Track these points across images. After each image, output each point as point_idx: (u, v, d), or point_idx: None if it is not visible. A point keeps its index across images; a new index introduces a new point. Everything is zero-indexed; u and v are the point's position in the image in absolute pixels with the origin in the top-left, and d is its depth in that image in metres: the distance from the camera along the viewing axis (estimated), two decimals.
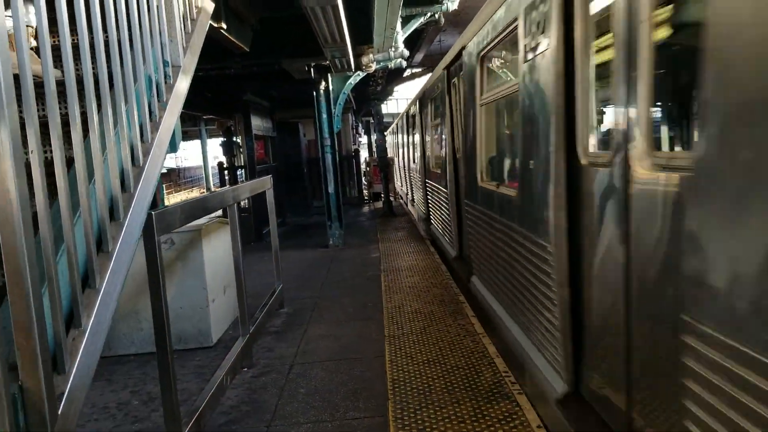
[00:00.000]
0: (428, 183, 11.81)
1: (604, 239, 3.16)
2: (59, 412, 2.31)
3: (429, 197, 11.82)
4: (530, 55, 4.12)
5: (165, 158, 3.90)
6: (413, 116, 14.52)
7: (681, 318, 2.30)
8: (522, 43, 4.29)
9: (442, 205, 9.75)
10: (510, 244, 4.92)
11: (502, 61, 5.70)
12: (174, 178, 41.99)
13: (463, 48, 6.86)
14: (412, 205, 16.67)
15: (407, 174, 17.87)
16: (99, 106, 3.01)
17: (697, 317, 2.20)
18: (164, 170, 39.54)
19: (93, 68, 2.98)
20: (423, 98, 12.15)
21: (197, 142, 30.85)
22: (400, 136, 19.99)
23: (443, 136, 9.24)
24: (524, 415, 4.22)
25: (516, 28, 4.48)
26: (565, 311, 3.64)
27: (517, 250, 4.66)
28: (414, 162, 14.93)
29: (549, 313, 3.87)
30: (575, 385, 3.68)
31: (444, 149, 9.16)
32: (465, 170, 7.30)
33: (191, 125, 25.68)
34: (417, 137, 13.72)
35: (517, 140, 4.62)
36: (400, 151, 20.11)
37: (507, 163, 5.54)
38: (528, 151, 4.29)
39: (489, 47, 5.62)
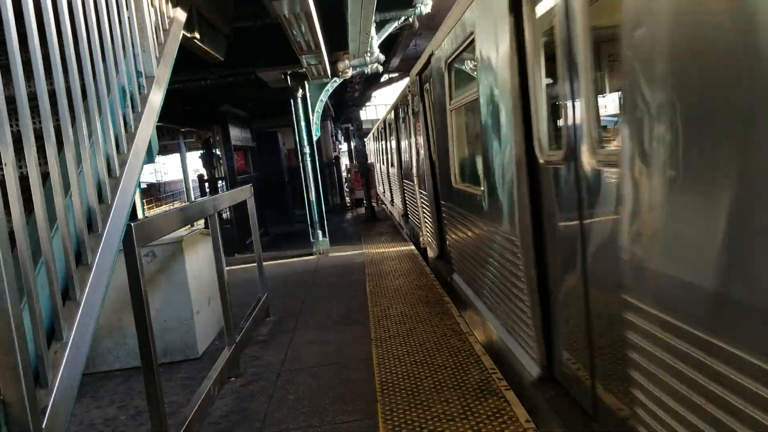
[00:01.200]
0: (406, 186, 12.28)
1: (557, 222, 3.54)
2: (43, 427, 2.29)
3: (408, 200, 12.23)
4: (488, 65, 4.56)
5: (142, 169, 3.89)
6: (390, 122, 15.05)
7: (623, 298, 2.58)
8: (479, 53, 4.79)
9: (423, 207, 10.00)
10: (483, 239, 5.33)
11: (467, 68, 6.02)
12: (154, 192, 41.75)
13: (432, 55, 7.32)
14: (392, 206, 17.39)
15: (388, 179, 18.40)
16: (73, 118, 3.00)
17: (635, 296, 2.48)
18: (144, 185, 39.33)
19: (65, 81, 2.97)
20: (398, 105, 12.61)
21: (177, 156, 30.66)
22: (379, 142, 20.15)
23: (419, 141, 9.56)
24: (512, 410, 4.25)
25: (474, 40, 4.95)
26: (535, 303, 3.94)
27: (490, 245, 5.02)
28: (393, 167, 15.47)
29: (521, 303, 4.20)
30: (549, 369, 3.92)
31: (420, 154, 9.50)
32: (440, 173, 7.66)
33: (170, 139, 25.50)
34: (395, 143, 14.29)
35: (483, 143, 5.03)
36: (380, 156, 20.36)
37: (476, 164, 5.78)
38: (493, 153, 4.68)
39: (454, 55, 6.04)
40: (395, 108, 13.55)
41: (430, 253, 9.52)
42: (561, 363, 3.70)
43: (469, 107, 5.79)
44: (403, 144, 12.78)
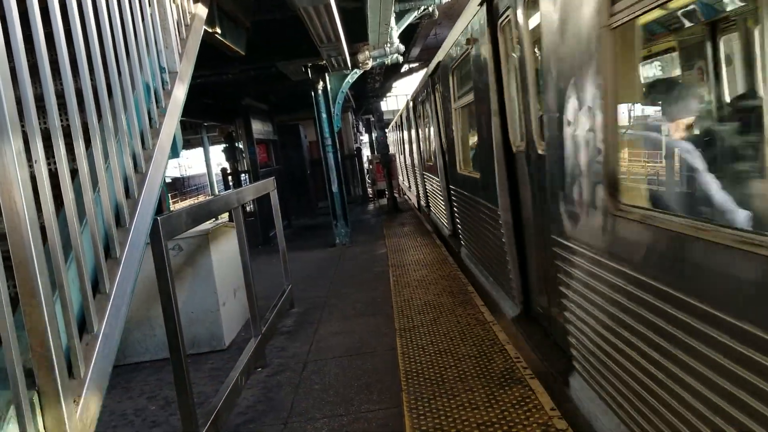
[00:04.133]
0: (425, 175, 13.90)
1: (526, 196, 5.06)
2: (77, 416, 2.36)
3: (427, 187, 14.01)
4: (478, 78, 6.13)
5: (167, 164, 3.95)
6: (407, 116, 17.09)
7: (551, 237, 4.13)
8: (471, 68, 6.40)
9: (436, 192, 11.96)
10: (476, 213, 7.17)
11: (465, 76, 7.53)
12: (179, 186, 42.17)
13: (439, 62, 9.09)
14: (409, 191, 19.88)
15: (406, 168, 20.00)
16: (99, 115, 3.05)
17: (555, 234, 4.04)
18: (168, 179, 39.76)
19: (91, 79, 3.03)
20: (415, 100, 14.42)
21: (200, 150, 30.93)
22: (400, 132, 20.31)
23: (431, 134, 11.55)
24: (537, 398, 4.25)
25: (469, 53, 6.40)
26: (514, 255, 5.48)
27: (481, 217, 6.84)
28: (411, 156, 17.61)
29: (504, 259, 5.81)
30: (526, 309, 5.44)
31: (433, 145, 11.32)
32: (449, 162, 9.47)
33: (193, 133, 25.76)
34: (412, 134, 16.20)
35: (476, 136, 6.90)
36: (400, 147, 20.69)
37: (472, 154, 8.02)
38: (482, 144, 6.43)
39: (454, 65, 7.81)
40: (412, 102, 15.02)
41: (445, 232, 11.13)
42: (535, 303, 5.24)
43: (467, 108, 7.50)
44: (421, 136, 14.19)
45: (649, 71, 4.12)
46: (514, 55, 4.91)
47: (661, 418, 2.61)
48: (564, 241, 3.81)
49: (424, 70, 12.71)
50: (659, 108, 3.80)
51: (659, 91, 4.00)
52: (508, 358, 5.07)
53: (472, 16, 6.00)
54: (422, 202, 15.49)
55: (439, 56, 8.94)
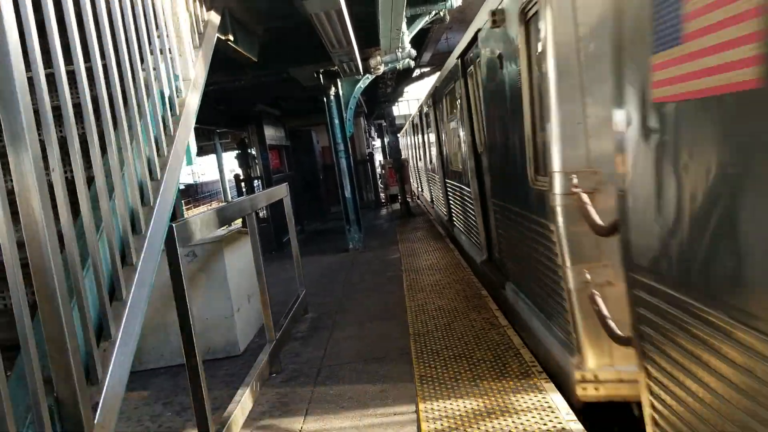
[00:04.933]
0: (449, 183, 14.51)
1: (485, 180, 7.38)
2: (95, 422, 2.38)
3: (430, 186, 16.31)
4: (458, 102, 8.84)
5: (182, 171, 3.98)
6: (417, 124, 18.21)
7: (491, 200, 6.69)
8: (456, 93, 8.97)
9: (432, 187, 14.61)
10: (462, 201, 9.79)
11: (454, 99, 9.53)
12: (192, 193, 42.41)
13: (436, 86, 11.50)
14: (422, 196, 21.06)
15: (419, 173, 20.84)
16: (115, 123, 3.09)
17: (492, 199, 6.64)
18: (182, 186, 39.98)
19: (107, 88, 3.06)
20: (423, 110, 15.67)
21: (213, 157, 31.07)
22: (414, 137, 20.37)
23: (432, 141, 13.71)
24: (552, 403, 4.23)
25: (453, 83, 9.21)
26: (480, 224, 7.91)
27: (467, 204, 9.19)
28: (417, 160, 19.67)
29: (476, 227, 8.22)
30: (489, 256, 7.80)
31: (434, 150, 13.45)
32: (445, 166, 11.94)
33: (206, 140, 25.86)
34: (420, 140, 17.82)
35: (459, 144, 9.60)
36: (414, 152, 20.85)
37: (457, 156, 10.09)
38: (462, 149, 9.02)
39: (447, 91, 10.22)
40: (423, 110, 15.87)
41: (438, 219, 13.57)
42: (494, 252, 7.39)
43: (455, 123, 9.61)
44: (424, 141, 16.06)
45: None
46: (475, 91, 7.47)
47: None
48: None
49: (437, 74, 12.78)
50: None
51: None
52: (523, 362, 5.04)
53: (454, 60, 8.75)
54: (442, 212, 13.63)
55: (435, 83, 11.52)
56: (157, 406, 5.43)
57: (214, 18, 5.33)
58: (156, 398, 5.61)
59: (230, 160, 29.51)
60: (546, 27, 4.03)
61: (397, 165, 18.33)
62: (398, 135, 21.82)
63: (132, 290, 2.88)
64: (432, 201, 15.63)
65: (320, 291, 9.05)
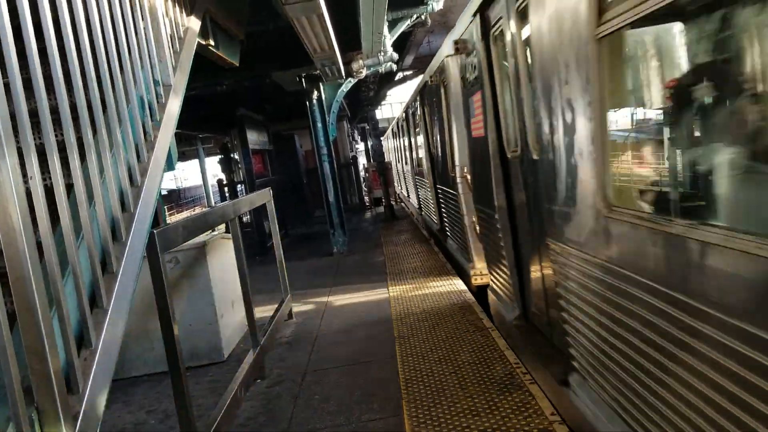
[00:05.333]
0: (440, 190, 14.91)
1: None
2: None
3: (415, 188, 16.20)
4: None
5: (163, 177, 3.95)
6: (401, 125, 17.95)
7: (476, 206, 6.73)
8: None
9: (419, 192, 14.28)
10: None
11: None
12: (175, 198, 42.15)
13: (426, 83, 10.27)
14: (408, 201, 20.69)
15: (405, 177, 20.04)
16: (94, 129, 3.06)
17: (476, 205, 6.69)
18: (164, 192, 39.74)
19: (86, 94, 3.03)
20: (410, 107, 15.17)
21: (196, 162, 30.94)
22: (398, 140, 20.36)
23: (418, 143, 13.47)
24: (537, 403, 4.25)
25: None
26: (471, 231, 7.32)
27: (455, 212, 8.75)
28: (404, 164, 19.05)
29: (462, 234, 7.47)
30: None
31: (416, 153, 13.82)
32: (436, 165, 11.21)
33: (188, 145, 25.76)
34: (418, 140, 17.26)
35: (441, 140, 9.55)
36: (398, 155, 20.79)
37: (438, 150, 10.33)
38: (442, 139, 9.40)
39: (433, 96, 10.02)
40: (409, 111, 15.31)
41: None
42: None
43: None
44: (406, 143, 16.30)
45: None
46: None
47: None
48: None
49: (419, 77, 12.78)
50: None
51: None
52: (507, 363, 5.06)
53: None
54: (430, 221, 12.82)
55: (424, 79, 10.60)
56: (140, 413, 5.38)
57: (195, 23, 5.30)
58: (139, 406, 5.55)
59: (213, 165, 29.37)
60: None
61: (381, 168, 18.34)
62: (382, 138, 21.83)
63: (113, 298, 2.85)
64: (419, 206, 14.70)
65: (305, 295, 9.02)
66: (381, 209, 20.11)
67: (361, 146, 34.13)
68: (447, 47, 6.74)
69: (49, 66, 2.75)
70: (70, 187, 2.78)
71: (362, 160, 30.62)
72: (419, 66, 22.54)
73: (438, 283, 8.33)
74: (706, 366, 2.19)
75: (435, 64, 8.83)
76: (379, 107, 33.57)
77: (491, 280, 6.53)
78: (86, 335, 2.62)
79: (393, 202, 18.83)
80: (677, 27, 3.02)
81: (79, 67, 2.97)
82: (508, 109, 5.01)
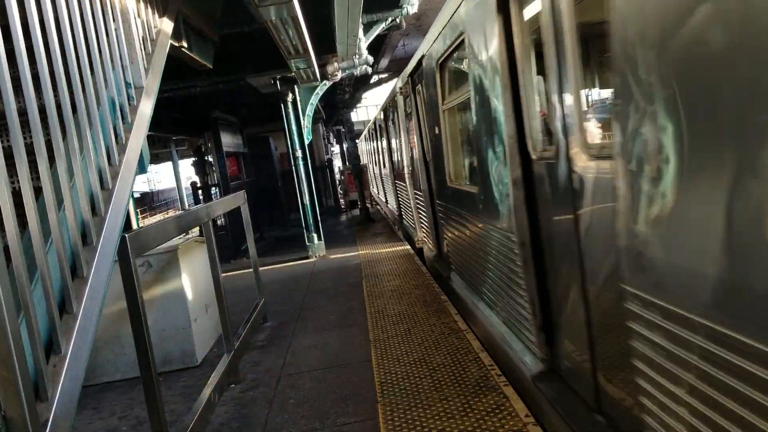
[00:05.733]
0: (383, 177, 17.22)
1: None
2: None
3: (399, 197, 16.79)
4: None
5: (135, 180, 3.90)
6: (370, 133, 19.76)
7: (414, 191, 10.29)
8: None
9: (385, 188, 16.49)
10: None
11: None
12: (148, 201, 41.70)
13: (396, 93, 11.24)
14: (386, 206, 20.53)
15: (383, 181, 20.15)
16: (64, 132, 3.01)
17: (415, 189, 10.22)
18: (137, 194, 39.27)
19: (55, 95, 2.99)
20: (383, 118, 15.55)
21: (170, 164, 30.58)
22: (375, 142, 20.43)
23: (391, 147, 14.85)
24: (512, 405, 4.28)
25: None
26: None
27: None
28: (381, 167, 19.43)
29: (429, 223, 9.00)
30: (440, 253, 8.54)
31: (382, 157, 16.11)
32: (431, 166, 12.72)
33: (162, 147, 25.45)
34: (374, 147, 19.43)
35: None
36: (376, 157, 20.91)
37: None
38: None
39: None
40: (378, 120, 16.60)
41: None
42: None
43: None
44: (379, 148, 17.50)
45: None
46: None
47: None
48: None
49: (395, 80, 12.95)
50: None
51: None
52: (482, 366, 5.09)
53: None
54: (394, 209, 14.99)
55: (393, 93, 11.89)
56: (112, 420, 5.30)
57: (167, 25, 5.25)
58: (111, 412, 5.47)
59: (187, 168, 29.09)
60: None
61: (357, 171, 18.33)
62: (357, 141, 21.83)
63: (83, 303, 2.81)
64: (399, 211, 14.49)
65: (280, 299, 8.98)
66: (357, 212, 20.09)
67: (336, 149, 34.09)
68: (399, 83, 10.16)
69: (17, 67, 2.70)
70: (38, 191, 2.73)
71: (338, 163, 30.58)
72: (395, 69, 22.54)
73: (414, 283, 8.35)
74: None
75: (395, 89, 11.06)
76: (355, 110, 33.56)
77: (423, 238, 9.75)
78: (55, 341, 2.58)
79: (369, 205, 18.82)
80: (457, 114, 6.37)
81: (48, 68, 2.92)
82: (424, 132, 8.07)
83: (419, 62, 7.50)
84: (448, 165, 6.66)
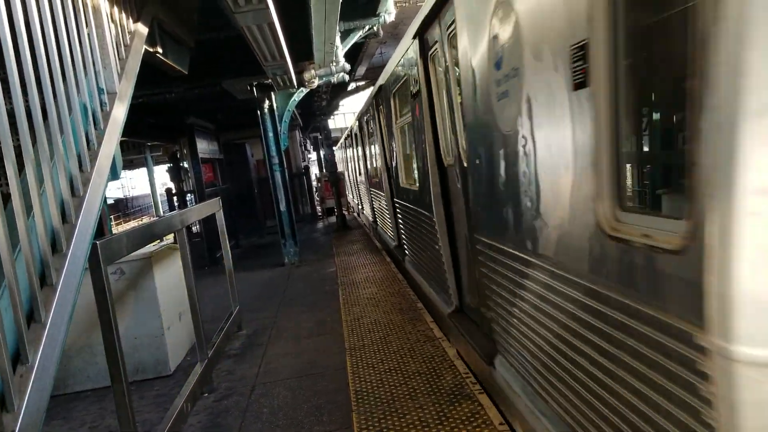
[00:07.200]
0: (359, 184, 18.18)
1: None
2: None
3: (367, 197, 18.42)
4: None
5: (107, 186, 3.85)
6: (347, 141, 20.59)
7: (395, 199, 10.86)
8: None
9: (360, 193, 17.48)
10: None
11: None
12: (122, 208, 41.19)
13: (362, 115, 13.59)
14: (363, 214, 21.24)
15: (359, 188, 20.69)
16: (34, 138, 2.96)
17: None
18: (111, 201, 38.74)
19: (25, 101, 2.93)
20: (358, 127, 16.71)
21: (144, 170, 30.25)
22: (353, 149, 20.56)
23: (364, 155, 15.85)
24: (486, 413, 4.29)
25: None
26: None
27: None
28: (357, 174, 20.09)
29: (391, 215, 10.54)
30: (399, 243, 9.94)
31: (358, 164, 16.57)
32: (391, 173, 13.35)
33: (136, 153, 25.20)
34: (351, 154, 20.15)
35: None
36: (353, 165, 21.20)
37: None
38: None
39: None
40: (352, 130, 17.93)
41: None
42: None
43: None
44: (355, 156, 18.24)
45: None
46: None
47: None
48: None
49: (371, 88, 13.26)
50: None
51: None
52: (457, 374, 5.10)
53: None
54: (369, 213, 16.43)
55: (359, 113, 14.81)
56: (82, 430, 5.20)
57: (142, 29, 5.20)
58: (81, 422, 5.37)
59: (162, 174, 28.80)
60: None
61: (333, 178, 18.30)
62: (334, 148, 21.80)
63: (52, 311, 2.75)
64: (360, 205, 16.82)
65: (255, 307, 8.91)
66: (333, 219, 20.04)
67: (313, 156, 34.00)
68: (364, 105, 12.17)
69: None
70: (7, 198, 2.68)
71: (315, 170, 30.50)
72: (372, 76, 22.58)
73: (389, 291, 8.34)
74: None
75: (369, 100, 11.92)
76: (332, 117, 33.50)
77: (390, 234, 10.88)
78: (23, 351, 2.53)
79: (345, 212, 18.79)
80: (406, 131, 7.63)
81: (18, 72, 2.87)
82: (386, 143, 9.52)
83: (380, 88, 9.62)
84: (400, 170, 8.61)
